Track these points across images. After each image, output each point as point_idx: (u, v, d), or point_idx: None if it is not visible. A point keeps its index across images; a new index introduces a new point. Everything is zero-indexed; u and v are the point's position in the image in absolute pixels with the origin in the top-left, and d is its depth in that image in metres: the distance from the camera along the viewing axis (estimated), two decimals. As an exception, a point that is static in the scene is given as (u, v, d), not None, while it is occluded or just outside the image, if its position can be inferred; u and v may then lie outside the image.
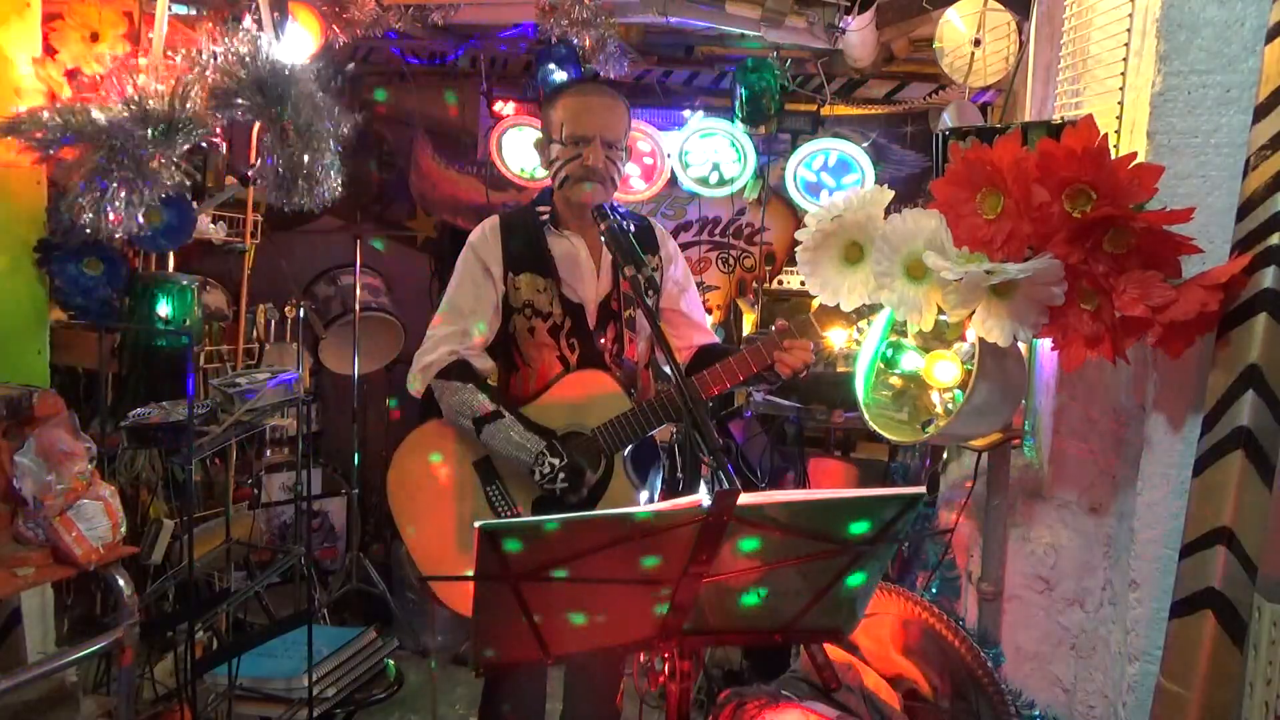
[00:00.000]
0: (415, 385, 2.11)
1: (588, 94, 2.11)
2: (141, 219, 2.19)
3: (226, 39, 2.20)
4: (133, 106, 2.08)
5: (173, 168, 2.17)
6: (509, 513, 2.06)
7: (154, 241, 2.60)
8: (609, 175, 2.06)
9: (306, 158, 2.28)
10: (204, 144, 2.50)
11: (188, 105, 2.17)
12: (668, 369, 2.38)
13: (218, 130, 2.42)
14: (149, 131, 2.10)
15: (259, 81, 2.20)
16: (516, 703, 2.17)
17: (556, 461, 1.97)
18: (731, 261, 4.72)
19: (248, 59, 2.20)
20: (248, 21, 2.30)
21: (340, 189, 2.42)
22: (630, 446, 2.08)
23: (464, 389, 2.04)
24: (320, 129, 2.28)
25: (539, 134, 2.20)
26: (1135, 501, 1.71)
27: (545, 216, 2.16)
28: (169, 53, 2.28)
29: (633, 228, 2.04)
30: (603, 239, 1.97)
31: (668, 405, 2.02)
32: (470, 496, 2.09)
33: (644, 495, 2.17)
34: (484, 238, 2.14)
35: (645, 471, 2.19)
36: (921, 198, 3.86)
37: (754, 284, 4.61)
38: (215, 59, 2.19)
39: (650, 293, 1.80)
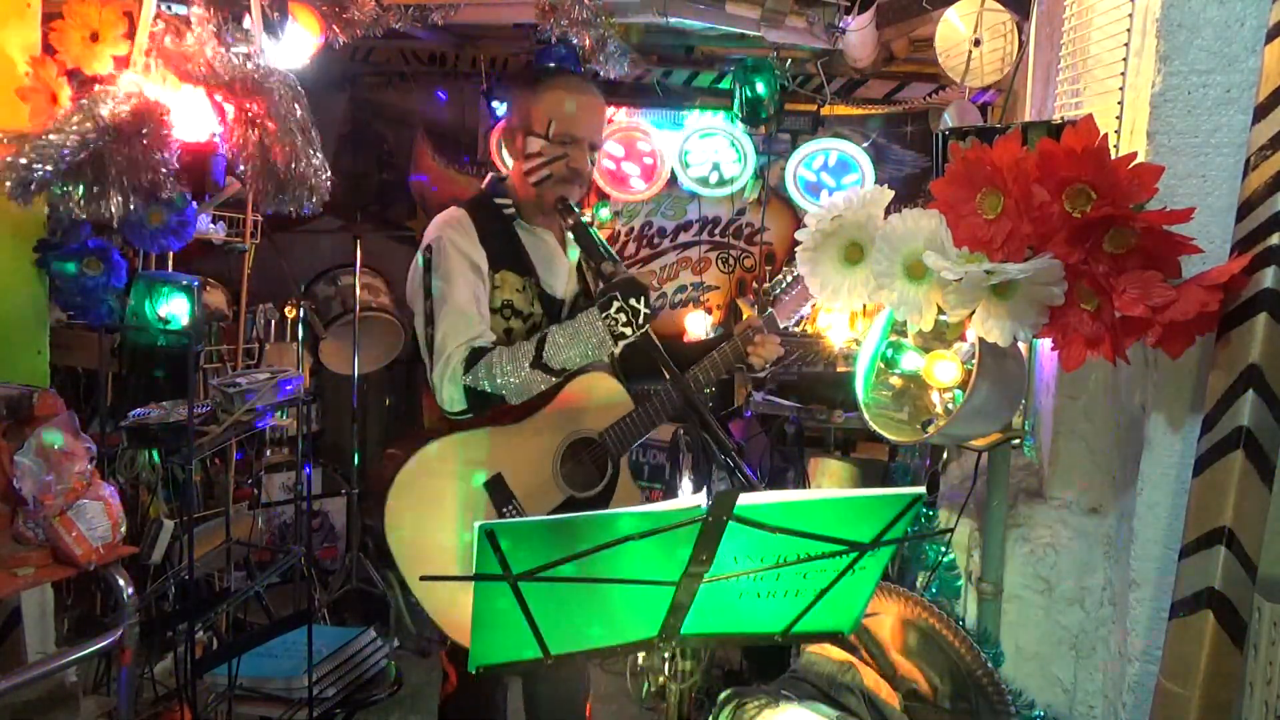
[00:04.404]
0: (454, 399, 1.88)
1: (577, 92, 2.01)
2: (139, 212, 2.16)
3: (214, 40, 2.19)
4: (112, 102, 2.07)
5: (156, 169, 2.15)
6: None
7: (154, 241, 2.60)
8: (590, 178, 2.04)
9: (291, 162, 2.25)
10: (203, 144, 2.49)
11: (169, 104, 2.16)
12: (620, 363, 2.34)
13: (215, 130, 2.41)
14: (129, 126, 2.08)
15: (245, 83, 2.18)
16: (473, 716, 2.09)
17: (633, 299, 1.83)
18: (731, 261, 4.73)
19: (237, 61, 2.19)
20: (246, 22, 2.30)
21: (326, 193, 2.38)
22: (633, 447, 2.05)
23: (494, 354, 1.87)
24: (300, 131, 2.25)
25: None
26: (1135, 501, 1.71)
27: (511, 211, 2.06)
28: (168, 46, 2.28)
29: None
30: (570, 235, 1.94)
31: (670, 402, 1.99)
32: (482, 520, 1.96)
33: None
34: (465, 232, 1.98)
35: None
36: (921, 198, 3.86)
37: (754, 284, 4.61)
38: (205, 59, 2.18)
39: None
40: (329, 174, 2.33)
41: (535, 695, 2.22)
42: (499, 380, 1.86)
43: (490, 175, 2.15)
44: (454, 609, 1.82)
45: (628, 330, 1.84)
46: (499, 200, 2.06)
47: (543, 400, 2.01)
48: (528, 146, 2.00)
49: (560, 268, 2.09)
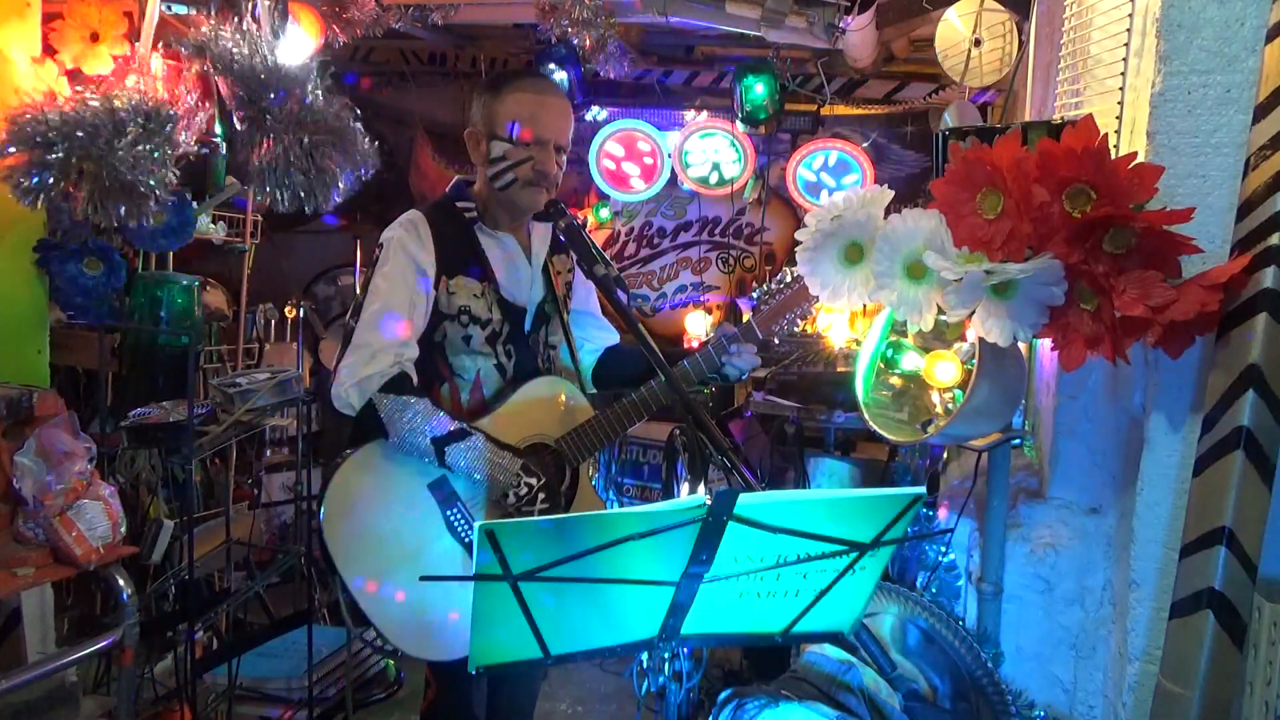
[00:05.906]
0: (351, 400, 1.84)
1: (544, 93, 1.97)
2: (149, 220, 2.16)
3: (222, 37, 2.20)
4: (114, 103, 2.08)
5: (161, 167, 2.15)
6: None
7: (154, 241, 2.61)
8: (557, 180, 1.97)
9: (305, 161, 2.26)
10: (204, 144, 2.50)
11: (176, 103, 2.17)
12: (592, 374, 2.31)
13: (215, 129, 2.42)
14: (131, 127, 2.09)
15: (254, 83, 2.19)
16: None
17: (534, 482, 1.83)
18: (731, 261, 4.73)
19: (246, 59, 2.20)
20: (247, 22, 2.30)
21: (338, 192, 2.39)
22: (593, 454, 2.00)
23: (418, 404, 1.82)
24: (321, 132, 2.26)
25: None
26: (1135, 501, 1.71)
27: (473, 214, 1.99)
28: (169, 48, 2.28)
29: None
30: (562, 237, 1.91)
31: (635, 408, 1.95)
32: (429, 524, 1.87)
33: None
34: (416, 236, 1.92)
35: None
36: (921, 198, 3.87)
37: (754, 284, 4.61)
38: (210, 57, 2.19)
39: (620, 291, 1.78)
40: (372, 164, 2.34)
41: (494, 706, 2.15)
42: (399, 423, 1.81)
43: (456, 178, 2.10)
44: (391, 618, 1.82)
45: (511, 495, 1.83)
46: (461, 204, 2.00)
47: (496, 402, 1.97)
48: (492, 151, 1.94)
49: (523, 273, 2.03)
